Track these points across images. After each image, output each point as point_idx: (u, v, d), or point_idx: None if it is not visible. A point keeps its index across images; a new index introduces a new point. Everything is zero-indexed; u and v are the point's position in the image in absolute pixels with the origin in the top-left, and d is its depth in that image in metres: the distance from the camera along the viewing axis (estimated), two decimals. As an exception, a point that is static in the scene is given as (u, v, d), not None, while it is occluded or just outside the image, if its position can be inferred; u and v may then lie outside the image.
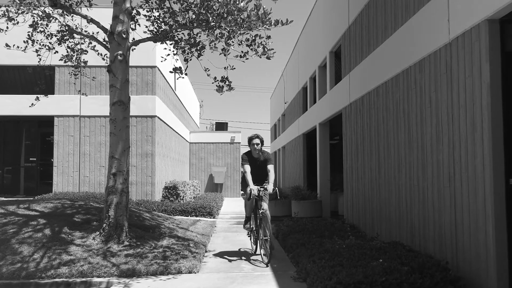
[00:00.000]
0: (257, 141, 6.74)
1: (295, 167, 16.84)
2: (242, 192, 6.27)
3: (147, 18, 7.89)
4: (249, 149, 6.87)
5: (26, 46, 8.10)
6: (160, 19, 7.80)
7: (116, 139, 6.89)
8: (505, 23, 4.45)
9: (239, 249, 7.33)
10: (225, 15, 6.41)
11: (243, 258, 6.63)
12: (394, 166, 6.87)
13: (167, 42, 7.74)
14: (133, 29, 7.88)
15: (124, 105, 6.99)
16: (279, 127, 23.47)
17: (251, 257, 6.64)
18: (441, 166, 5.36)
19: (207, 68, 7.48)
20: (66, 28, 8.03)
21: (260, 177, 6.78)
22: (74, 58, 8.75)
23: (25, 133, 15.60)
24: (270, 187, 6.47)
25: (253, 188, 6.43)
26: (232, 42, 6.92)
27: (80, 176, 14.30)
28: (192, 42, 7.40)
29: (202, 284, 5.13)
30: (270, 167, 6.74)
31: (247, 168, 6.65)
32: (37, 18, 8.05)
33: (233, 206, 16.86)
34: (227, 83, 7.08)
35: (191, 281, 5.26)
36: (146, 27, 7.93)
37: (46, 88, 14.10)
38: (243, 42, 6.86)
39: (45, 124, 15.06)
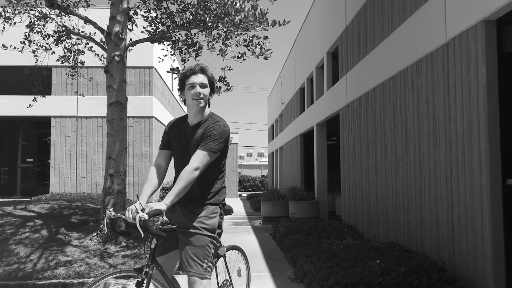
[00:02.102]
0: (200, 77, 2.92)
1: (293, 167, 16.85)
2: None
3: (145, 18, 7.88)
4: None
5: (23, 47, 8.08)
6: (158, 20, 7.79)
7: (113, 140, 6.88)
8: (502, 23, 4.46)
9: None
10: (223, 16, 6.41)
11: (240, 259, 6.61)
12: (391, 166, 6.88)
13: (165, 42, 7.74)
14: (130, 30, 7.87)
15: (122, 105, 6.97)
16: (276, 127, 23.48)
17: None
18: (438, 167, 5.37)
19: (205, 69, 7.47)
20: (63, 28, 8.02)
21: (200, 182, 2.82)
22: (71, 59, 8.74)
23: (22, 133, 15.56)
24: (151, 205, 2.50)
25: (130, 211, 2.51)
26: (230, 42, 6.92)
27: (77, 177, 14.26)
28: (190, 42, 7.40)
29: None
30: (196, 157, 2.73)
31: (159, 156, 2.99)
32: (34, 18, 8.03)
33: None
34: (224, 83, 7.08)
35: (188, 282, 5.25)
36: (144, 27, 7.93)
37: (43, 88, 14.10)
38: (240, 42, 6.87)
39: (42, 124, 15.02)
